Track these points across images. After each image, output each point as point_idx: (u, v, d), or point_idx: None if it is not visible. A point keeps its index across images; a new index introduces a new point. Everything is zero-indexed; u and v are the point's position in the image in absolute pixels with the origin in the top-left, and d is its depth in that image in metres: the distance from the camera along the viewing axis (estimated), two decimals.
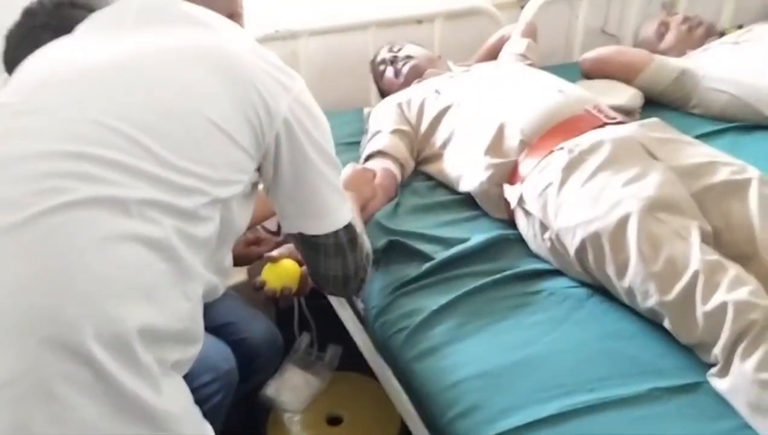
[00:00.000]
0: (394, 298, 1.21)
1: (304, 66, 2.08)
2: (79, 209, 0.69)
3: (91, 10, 1.12)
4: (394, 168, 1.56)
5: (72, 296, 0.66)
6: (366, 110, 1.86)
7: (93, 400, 0.66)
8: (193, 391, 1.25)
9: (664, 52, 2.05)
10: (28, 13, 1.11)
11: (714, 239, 1.15)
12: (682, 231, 1.09)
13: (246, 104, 0.85)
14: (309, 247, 1.01)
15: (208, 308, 1.37)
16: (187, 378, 1.24)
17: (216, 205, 0.81)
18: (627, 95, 1.84)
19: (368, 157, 1.59)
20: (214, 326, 1.41)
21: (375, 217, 1.42)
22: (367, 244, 1.10)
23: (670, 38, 2.09)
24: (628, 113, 1.79)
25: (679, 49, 2.06)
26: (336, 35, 2.14)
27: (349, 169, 1.39)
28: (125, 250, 0.70)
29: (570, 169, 1.25)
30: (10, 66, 1.13)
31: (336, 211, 0.98)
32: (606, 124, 1.36)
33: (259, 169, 0.92)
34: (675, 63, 1.91)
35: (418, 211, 1.49)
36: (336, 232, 0.99)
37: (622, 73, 1.92)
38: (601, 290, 1.19)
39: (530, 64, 1.80)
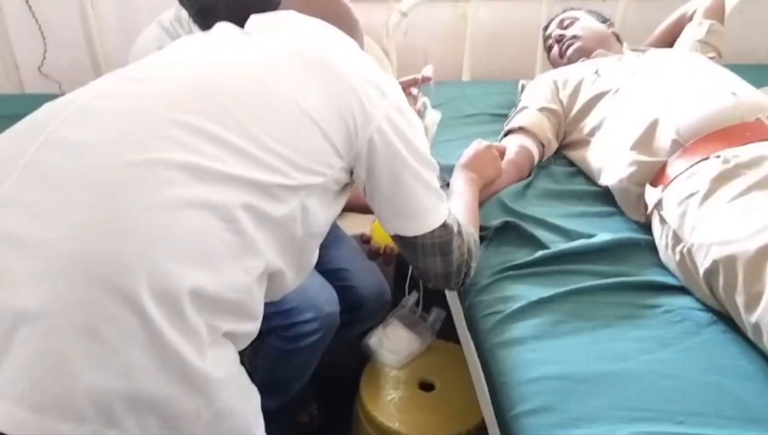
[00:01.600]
0: (496, 279, 1.18)
1: (472, 30, 2.04)
2: (160, 168, 0.73)
3: None
4: (533, 147, 1.49)
5: (132, 246, 0.69)
6: (521, 82, 1.79)
7: (136, 348, 0.67)
8: (295, 325, 1.35)
9: None
10: None
11: None
12: None
13: (342, 103, 0.88)
14: (407, 246, 1.03)
15: (326, 251, 1.45)
16: (291, 312, 1.34)
17: (294, 190, 0.84)
18: None
19: (508, 132, 1.54)
20: (328, 269, 1.48)
21: (499, 194, 1.37)
22: (471, 240, 1.08)
23: None
24: None
25: None
26: (508, 1, 2.07)
27: (473, 148, 1.36)
28: (192, 215, 0.73)
29: (721, 180, 1.12)
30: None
31: (431, 212, 0.99)
32: None
33: (351, 173, 0.95)
34: None
35: (549, 196, 1.42)
36: (432, 232, 0.99)
37: None
38: (727, 319, 1.07)
39: (711, 57, 1.61)
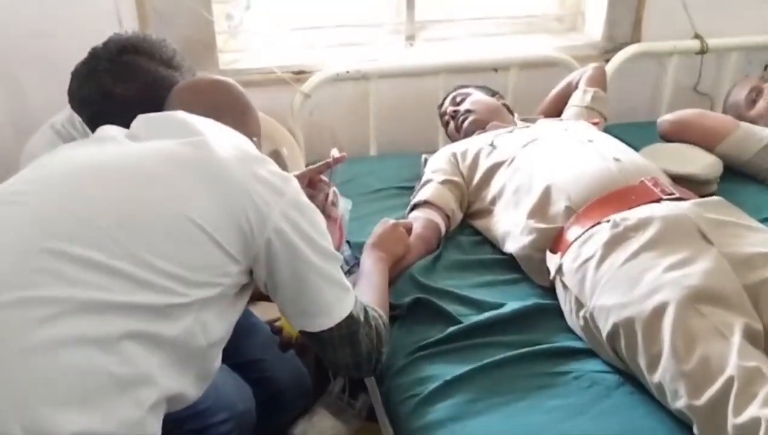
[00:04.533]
0: (411, 360, 1.18)
1: (374, 107, 2.10)
2: (34, 307, 0.70)
3: (151, 55, 1.18)
4: (439, 219, 1.53)
5: (6, 397, 0.66)
6: (424, 156, 1.84)
7: None
8: (208, 427, 1.29)
9: (752, 120, 1.90)
10: (93, 55, 1.18)
11: (766, 340, 1.04)
12: (724, 328, 0.99)
13: (235, 208, 0.88)
14: (314, 341, 1.02)
15: (240, 341, 1.41)
16: (203, 414, 1.27)
17: (187, 306, 0.82)
18: (704, 163, 1.72)
19: (414, 207, 1.57)
20: (243, 362, 1.42)
21: (410, 270, 1.39)
22: (380, 324, 1.08)
23: (761, 105, 1.94)
24: (703, 183, 1.68)
25: None
26: (407, 78, 2.15)
27: (380, 227, 1.38)
28: (72, 354, 0.70)
29: (612, 244, 1.17)
30: (74, 103, 1.20)
31: (336, 306, 0.98)
32: (661, 199, 1.27)
33: (251, 272, 0.93)
34: (763, 132, 1.78)
35: (458, 267, 1.44)
36: (339, 325, 0.98)
37: (703, 139, 1.80)
38: (634, 379, 1.10)
39: (595, 122, 1.72)
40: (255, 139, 1.14)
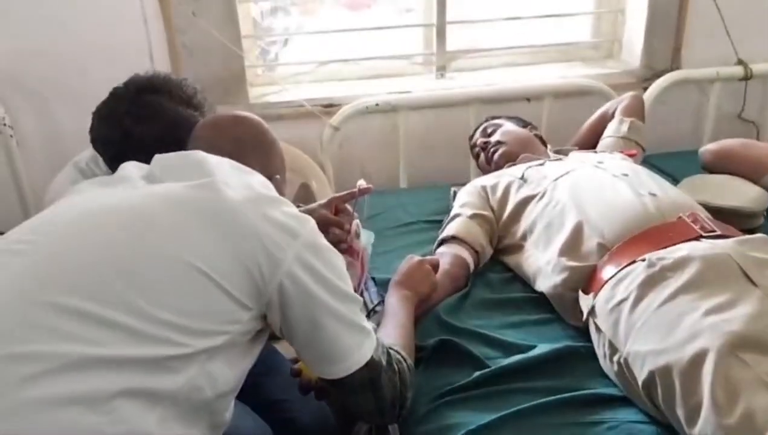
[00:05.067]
0: (435, 406, 1.12)
1: (404, 139, 2.08)
2: (20, 364, 0.67)
3: (170, 95, 1.18)
4: (467, 255, 1.48)
5: None
6: (453, 189, 1.80)
7: None
8: None
9: None
10: (113, 95, 1.18)
11: None
12: None
13: (245, 254, 0.85)
14: (335, 386, 0.97)
15: (263, 380, 1.38)
16: None
17: (190, 357, 0.79)
18: (750, 196, 1.63)
19: (442, 242, 1.53)
20: (264, 402, 1.39)
21: (436, 309, 1.34)
22: (404, 368, 1.03)
23: None
24: (749, 217, 1.59)
25: None
26: (438, 109, 2.12)
27: (405, 265, 1.34)
28: (61, 414, 0.67)
29: (648, 285, 1.11)
30: (95, 143, 1.21)
31: (355, 351, 0.94)
32: (701, 236, 1.20)
33: (266, 317, 0.90)
34: None
35: (486, 306, 1.39)
36: (360, 370, 0.94)
37: (748, 170, 1.71)
38: (672, 430, 1.02)
39: (632, 154, 1.66)
40: (278, 176, 1.12)
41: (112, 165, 1.05)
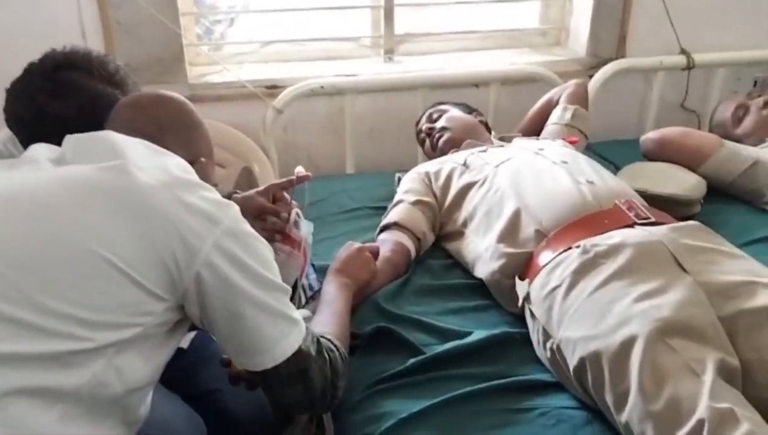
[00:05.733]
0: (368, 394, 1.10)
1: (350, 123, 2.04)
2: None
3: (90, 72, 1.12)
4: (409, 242, 1.46)
5: None
6: (397, 175, 1.78)
7: None
8: None
9: (739, 139, 1.85)
10: (28, 72, 1.11)
11: (744, 376, 0.97)
12: (696, 365, 0.92)
13: (158, 244, 0.80)
14: (260, 379, 0.94)
15: (197, 370, 1.34)
16: None
17: (94, 352, 0.75)
18: (687, 184, 1.66)
19: (383, 228, 1.50)
20: (198, 393, 1.35)
21: (375, 296, 1.32)
22: (336, 357, 1.00)
23: (747, 123, 1.88)
24: (685, 204, 1.62)
25: (758, 135, 1.85)
26: (385, 94, 2.09)
27: (345, 251, 1.31)
28: None
29: (581, 272, 1.11)
30: (9, 122, 1.14)
31: (280, 342, 0.90)
32: (635, 223, 1.20)
33: (184, 308, 0.86)
34: (748, 152, 1.72)
35: (426, 293, 1.37)
36: (286, 362, 0.90)
37: (687, 159, 1.74)
38: (603, 416, 1.03)
39: (573, 141, 1.66)
40: (203, 160, 1.07)
41: (27, 144, 0.99)
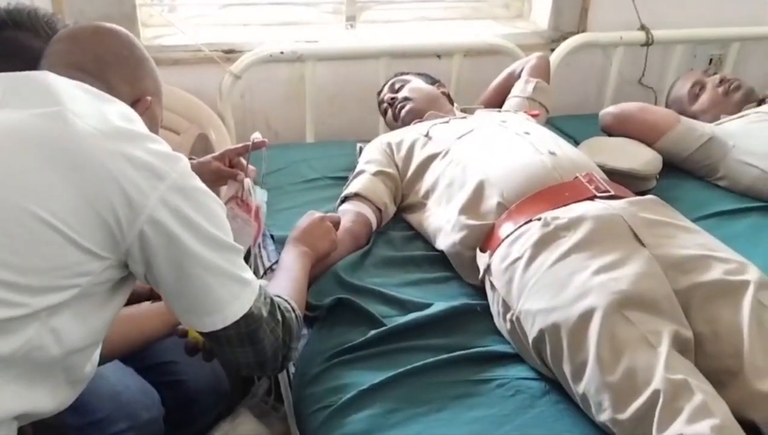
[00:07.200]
0: (327, 367, 1.09)
1: (311, 91, 2.00)
2: None
3: (35, 31, 1.06)
4: (370, 213, 1.44)
5: None
6: (359, 145, 1.75)
7: None
8: None
9: (695, 115, 1.88)
10: None
11: (696, 347, 1.00)
12: (652, 337, 0.94)
13: (98, 200, 0.74)
14: (209, 339, 0.90)
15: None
16: (101, 423, 1.17)
17: (31, 316, 0.71)
18: (644, 159, 1.68)
19: (344, 199, 1.48)
20: (152, 364, 1.32)
21: (335, 267, 1.30)
22: (291, 317, 0.96)
23: (704, 100, 1.92)
24: (642, 179, 1.64)
25: (713, 113, 1.88)
26: (346, 62, 2.05)
27: (305, 220, 1.28)
28: None
29: (542, 244, 1.11)
30: None
31: (230, 303, 0.85)
32: (595, 196, 1.21)
33: (127, 265, 0.81)
34: (704, 128, 1.75)
35: (386, 264, 1.36)
36: (236, 323, 0.86)
37: (644, 134, 1.76)
38: (560, 387, 1.04)
39: (534, 114, 1.66)
40: (149, 98, 0.97)
41: None
